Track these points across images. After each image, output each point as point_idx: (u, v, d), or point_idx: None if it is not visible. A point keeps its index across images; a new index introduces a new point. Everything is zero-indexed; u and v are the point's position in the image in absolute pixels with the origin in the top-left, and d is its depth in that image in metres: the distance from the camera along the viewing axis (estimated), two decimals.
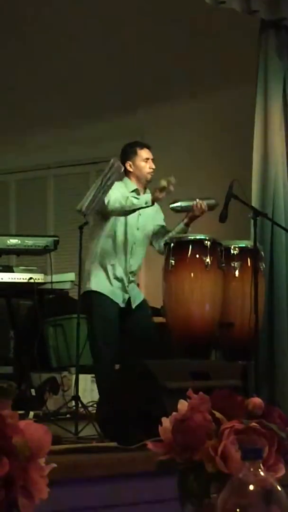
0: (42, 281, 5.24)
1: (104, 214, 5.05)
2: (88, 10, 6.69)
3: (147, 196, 5.03)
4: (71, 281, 5.45)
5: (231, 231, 5.50)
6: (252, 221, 4.91)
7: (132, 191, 5.22)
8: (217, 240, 4.95)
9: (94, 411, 4.35)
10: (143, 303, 5.24)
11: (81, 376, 4.96)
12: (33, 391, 5.31)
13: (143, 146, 5.32)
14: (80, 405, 4.45)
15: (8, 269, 5.28)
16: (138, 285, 5.40)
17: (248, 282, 4.86)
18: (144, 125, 7.26)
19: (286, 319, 5.43)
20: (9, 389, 4.88)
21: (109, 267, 5.10)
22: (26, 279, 5.20)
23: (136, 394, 3.65)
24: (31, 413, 4.59)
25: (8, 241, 5.30)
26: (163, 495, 2.58)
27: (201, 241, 4.91)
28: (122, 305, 5.12)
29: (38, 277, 5.23)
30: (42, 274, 5.26)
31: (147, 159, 5.26)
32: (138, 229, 5.20)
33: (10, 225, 8.38)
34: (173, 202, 5.11)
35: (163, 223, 5.39)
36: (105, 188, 4.77)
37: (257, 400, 1.72)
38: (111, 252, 5.12)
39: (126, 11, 6.65)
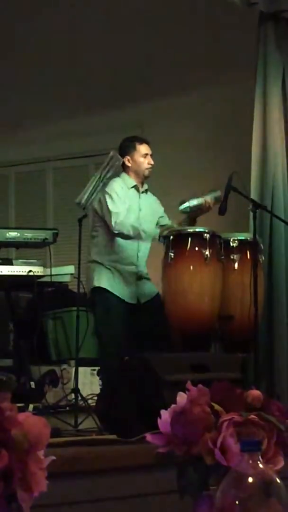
0: (42, 274, 5.23)
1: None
2: (86, 2, 6.68)
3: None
4: (71, 274, 5.44)
5: (231, 224, 5.50)
6: (251, 213, 4.90)
7: (132, 187, 5.22)
8: (216, 233, 4.95)
9: (94, 404, 4.36)
10: (155, 298, 5.19)
11: (80, 369, 4.97)
12: (32, 384, 5.30)
13: (142, 141, 5.30)
14: (79, 397, 4.46)
15: (8, 262, 5.27)
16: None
17: (247, 274, 4.85)
18: (144, 118, 7.24)
19: (285, 311, 5.43)
20: (9, 381, 4.89)
21: (111, 264, 5.12)
22: (25, 272, 5.19)
23: (135, 387, 3.65)
24: (31, 406, 4.59)
25: (8, 234, 5.29)
26: (163, 488, 2.58)
27: (200, 233, 4.90)
28: (129, 300, 5.13)
29: (37, 270, 5.22)
30: (42, 267, 5.26)
31: (146, 154, 5.25)
32: (140, 224, 5.19)
33: (10, 218, 8.36)
34: (181, 203, 5.10)
35: (164, 215, 5.39)
36: (104, 180, 4.78)
37: (256, 392, 1.72)
38: (115, 247, 5.13)
39: (125, 4, 6.64)
